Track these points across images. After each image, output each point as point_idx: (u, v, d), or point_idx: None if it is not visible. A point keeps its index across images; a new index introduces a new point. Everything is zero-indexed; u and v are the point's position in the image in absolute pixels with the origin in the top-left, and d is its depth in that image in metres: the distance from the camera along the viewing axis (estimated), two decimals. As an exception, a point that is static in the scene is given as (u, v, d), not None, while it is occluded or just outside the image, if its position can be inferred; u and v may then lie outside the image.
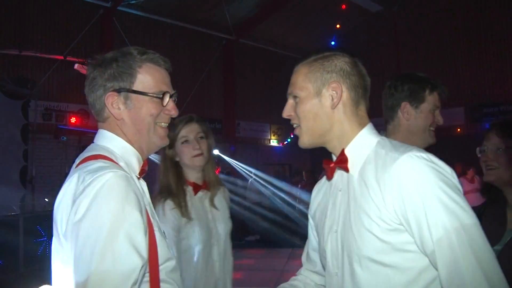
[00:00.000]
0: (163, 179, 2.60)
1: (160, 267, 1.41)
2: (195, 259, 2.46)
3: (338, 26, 15.36)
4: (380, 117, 2.37)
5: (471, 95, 14.89)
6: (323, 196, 1.67)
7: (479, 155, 2.11)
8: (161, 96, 1.55)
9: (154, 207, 2.35)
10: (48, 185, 11.24)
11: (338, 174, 1.55)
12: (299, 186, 12.87)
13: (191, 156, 2.56)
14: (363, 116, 1.54)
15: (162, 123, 1.59)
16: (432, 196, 1.28)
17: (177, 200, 2.51)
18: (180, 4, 13.85)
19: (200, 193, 2.62)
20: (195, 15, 14.66)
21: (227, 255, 2.61)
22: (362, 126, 1.52)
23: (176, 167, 2.62)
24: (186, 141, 2.58)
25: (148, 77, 1.55)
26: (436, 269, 1.28)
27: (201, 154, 2.57)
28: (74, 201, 1.31)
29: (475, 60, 14.85)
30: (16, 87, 9.77)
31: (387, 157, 1.38)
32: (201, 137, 2.61)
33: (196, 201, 2.59)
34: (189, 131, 2.59)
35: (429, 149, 2.47)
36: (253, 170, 13.75)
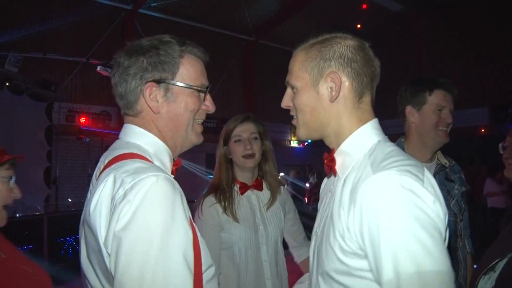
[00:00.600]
0: (215, 176, 2.58)
1: (204, 276, 1.25)
2: (238, 257, 2.41)
3: (358, 26, 15.22)
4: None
5: (495, 95, 14.61)
6: (321, 194, 1.53)
7: (501, 152, 2.02)
8: (205, 89, 1.43)
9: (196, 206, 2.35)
10: (71, 186, 11.42)
11: (334, 176, 1.40)
12: (308, 187, 12.85)
13: (241, 155, 2.51)
14: (366, 109, 1.35)
15: (200, 120, 1.47)
16: (392, 232, 1.08)
17: (220, 196, 2.48)
18: (200, 5, 13.91)
19: (248, 192, 2.58)
20: (215, 17, 14.71)
21: (279, 256, 2.54)
22: (363, 122, 1.33)
23: (228, 165, 2.59)
24: (239, 140, 2.53)
25: (191, 69, 1.41)
26: None
27: (252, 155, 2.51)
28: (114, 206, 1.15)
29: (499, 60, 14.56)
30: (40, 89, 9.95)
31: (365, 170, 1.20)
32: (255, 138, 2.54)
33: (243, 200, 2.55)
34: (243, 130, 2.54)
35: (450, 149, 2.47)
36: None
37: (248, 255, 2.42)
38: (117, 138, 1.45)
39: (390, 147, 1.28)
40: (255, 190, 2.60)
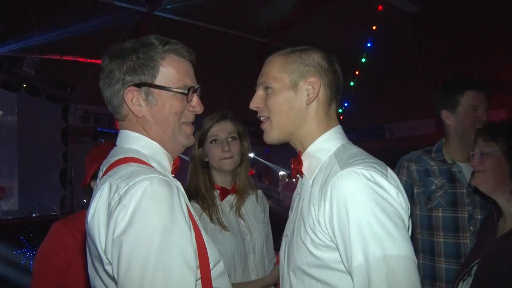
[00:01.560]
0: (191, 181, 2.33)
1: (212, 273, 1.28)
2: (228, 268, 2.16)
3: (374, 27, 15.12)
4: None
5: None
6: (293, 199, 1.57)
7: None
8: (187, 91, 1.37)
9: None
10: (86, 187, 11.47)
11: (301, 178, 1.47)
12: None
13: (219, 158, 2.28)
14: (333, 117, 1.45)
15: (188, 122, 1.43)
16: (360, 219, 1.16)
17: (205, 204, 2.25)
18: (214, 8, 13.94)
19: (230, 198, 2.35)
20: (230, 19, 14.74)
21: (265, 264, 2.34)
22: (329, 127, 1.42)
23: (205, 169, 2.34)
24: (216, 140, 2.30)
25: (172, 70, 1.37)
26: None
27: (231, 157, 2.28)
28: (110, 213, 1.15)
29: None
30: (57, 91, 10.06)
31: (333, 168, 1.28)
32: (233, 138, 2.33)
33: (225, 206, 2.33)
34: (220, 129, 2.33)
35: None
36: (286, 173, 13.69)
37: (236, 266, 2.21)
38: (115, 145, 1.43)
39: (354, 148, 1.37)
40: (235, 195, 2.37)
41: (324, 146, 1.39)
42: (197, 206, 2.23)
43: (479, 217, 2.33)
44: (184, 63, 1.42)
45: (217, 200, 2.31)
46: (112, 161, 1.31)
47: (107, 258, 1.16)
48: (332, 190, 1.23)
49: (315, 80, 1.39)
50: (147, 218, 1.11)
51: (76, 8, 11.94)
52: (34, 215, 8.66)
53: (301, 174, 1.44)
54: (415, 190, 2.49)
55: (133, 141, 1.37)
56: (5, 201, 9.04)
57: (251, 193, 2.45)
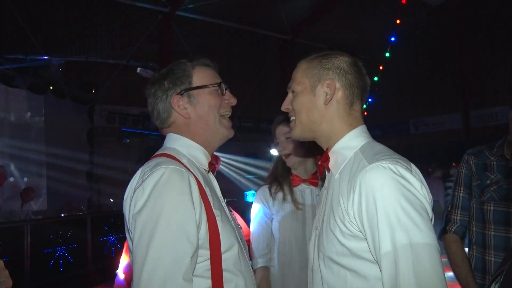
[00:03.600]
0: (273, 169, 2.77)
1: (223, 256, 1.48)
2: (283, 247, 2.54)
3: (398, 21, 14.92)
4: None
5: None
6: (320, 195, 1.70)
7: None
8: (218, 85, 1.68)
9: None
10: (112, 186, 11.68)
11: (328, 173, 1.58)
12: None
13: (283, 155, 2.65)
14: (356, 116, 1.54)
15: (226, 113, 1.71)
16: (388, 209, 1.26)
17: (274, 186, 2.66)
18: (236, 6, 13.97)
19: (303, 186, 2.65)
20: (251, 17, 14.74)
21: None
22: (353, 126, 1.52)
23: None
24: (278, 143, 2.67)
25: (203, 74, 1.69)
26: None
27: (289, 154, 2.60)
28: (133, 192, 1.45)
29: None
30: (82, 92, 10.23)
31: (361, 163, 1.38)
32: (288, 138, 2.60)
33: (296, 192, 2.63)
34: (279, 133, 2.68)
35: None
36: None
37: (295, 250, 2.52)
38: (157, 139, 1.66)
39: (379, 146, 1.47)
40: (310, 186, 2.64)
41: (350, 143, 1.49)
42: (269, 190, 2.66)
43: None
44: (210, 70, 1.73)
45: (289, 185, 2.66)
46: (153, 156, 1.61)
47: (130, 231, 1.46)
48: (361, 183, 1.32)
49: (331, 82, 1.50)
50: (158, 199, 1.39)
51: (100, 10, 12.11)
52: (62, 215, 8.84)
53: (328, 169, 1.54)
54: (472, 183, 2.51)
55: (174, 141, 1.67)
56: (34, 201, 9.25)
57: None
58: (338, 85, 1.50)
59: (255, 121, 15.45)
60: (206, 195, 1.51)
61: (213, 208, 1.51)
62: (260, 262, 2.54)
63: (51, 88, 9.35)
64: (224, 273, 1.48)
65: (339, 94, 1.51)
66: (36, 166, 9.85)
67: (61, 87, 9.55)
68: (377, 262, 1.29)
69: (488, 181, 2.44)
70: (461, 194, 2.55)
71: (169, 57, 12.63)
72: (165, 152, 1.60)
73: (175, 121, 1.68)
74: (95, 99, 10.78)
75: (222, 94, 1.69)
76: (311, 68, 1.54)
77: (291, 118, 1.60)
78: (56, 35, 11.25)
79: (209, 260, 1.45)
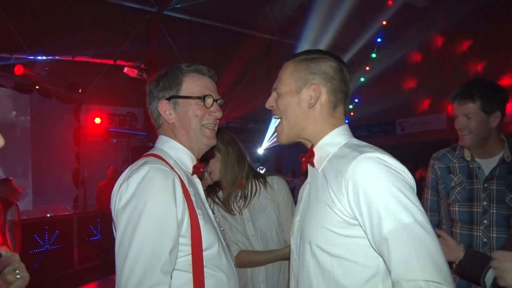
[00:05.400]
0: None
1: (204, 253, 1.57)
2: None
3: (384, 22, 15.04)
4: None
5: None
6: (301, 191, 1.74)
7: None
8: (203, 98, 1.74)
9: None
10: (99, 186, 11.58)
11: (310, 169, 1.64)
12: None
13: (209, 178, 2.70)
14: (339, 117, 1.61)
15: (209, 125, 1.77)
16: (385, 193, 1.34)
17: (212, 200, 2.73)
18: (223, 6, 13.96)
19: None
20: (239, 17, 14.74)
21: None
22: (335, 126, 1.59)
23: None
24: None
25: (193, 84, 1.76)
26: (384, 259, 1.34)
27: (211, 172, 2.64)
28: (118, 188, 1.56)
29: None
30: (68, 91, 10.15)
31: (349, 156, 1.44)
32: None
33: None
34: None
35: None
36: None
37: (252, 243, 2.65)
38: (144, 139, 1.72)
39: (361, 141, 1.55)
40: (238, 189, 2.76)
41: (333, 140, 1.56)
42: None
43: (494, 211, 2.43)
44: (204, 78, 1.79)
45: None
46: (142, 155, 1.71)
47: (115, 225, 1.55)
48: (353, 174, 1.39)
49: (317, 87, 1.56)
50: (142, 195, 1.48)
51: (86, 9, 12.02)
52: (48, 215, 8.78)
53: (313, 164, 1.59)
54: (439, 187, 2.67)
55: (163, 143, 1.77)
56: (20, 202, 9.15)
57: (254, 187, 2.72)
58: (323, 90, 1.57)
59: (241, 121, 15.46)
60: (190, 195, 1.61)
61: (195, 207, 1.61)
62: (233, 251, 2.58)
63: (37, 87, 9.27)
64: (205, 269, 1.57)
65: (323, 98, 1.57)
66: (22, 166, 9.75)
67: (47, 86, 9.47)
68: (373, 244, 1.36)
69: (453, 184, 2.58)
70: (429, 197, 2.74)
71: (157, 57, 12.60)
72: (154, 152, 1.71)
73: (163, 124, 1.78)
74: (81, 98, 10.70)
75: (207, 107, 1.74)
76: (298, 71, 1.59)
77: (276, 117, 1.66)
78: (42, 34, 11.14)
79: (190, 255, 1.55)
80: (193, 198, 1.63)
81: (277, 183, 2.74)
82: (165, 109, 1.74)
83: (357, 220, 1.39)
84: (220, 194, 2.70)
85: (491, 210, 2.44)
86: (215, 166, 2.63)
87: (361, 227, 1.38)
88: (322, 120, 1.59)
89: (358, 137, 1.59)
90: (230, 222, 2.63)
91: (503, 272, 1.51)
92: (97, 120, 11.15)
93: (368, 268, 1.39)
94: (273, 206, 2.68)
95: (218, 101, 1.80)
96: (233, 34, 15.29)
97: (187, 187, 1.63)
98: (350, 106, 15.51)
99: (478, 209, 2.48)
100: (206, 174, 2.58)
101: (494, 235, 2.42)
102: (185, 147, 1.77)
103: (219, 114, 1.79)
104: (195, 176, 1.81)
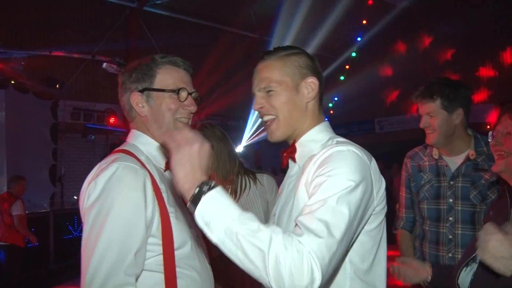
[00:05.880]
0: None
1: (176, 252, 1.53)
2: None
3: (364, 22, 15.16)
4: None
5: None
6: (281, 187, 1.72)
7: (489, 139, 1.90)
8: (178, 91, 1.67)
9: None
10: (76, 183, 11.43)
11: (291, 164, 1.63)
12: None
13: None
14: (321, 113, 1.62)
15: (183, 119, 1.70)
16: (338, 171, 1.32)
17: None
18: (204, 3, 13.88)
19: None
20: (219, 14, 14.69)
21: None
22: (318, 122, 1.59)
23: None
24: None
25: (167, 76, 1.68)
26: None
27: None
28: (86, 187, 1.51)
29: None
30: (45, 87, 9.98)
31: (327, 148, 1.43)
32: None
33: None
34: None
35: None
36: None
37: None
38: (123, 135, 1.68)
39: (341, 138, 1.53)
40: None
41: (316, 137, 1.56)
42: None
43: (459, 208, 2.49)
44: (178, 71, 1.72)
45: None
46: (113, 151, 1.66)
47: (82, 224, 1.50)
48: (325, 153, 1.40)
49: (313, 80, 1.56)
50: (109, 194, 1.44)
51: (64, 3, 11.82)
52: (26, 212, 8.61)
53: (294, 160, 1.58)
54: (410, 185, 2.73)
55: (135, 138, 1.71)
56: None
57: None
58: (318, 83, 1.57)
59: (222, 118, 15.42)
60: (161, 193, 1.56)
61: (167, 205, 1.56)
62: None
63: (12, 82, 9.08)
64: (178, 269, 1.53)
65: (317, 92, 1.57)
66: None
67: (23, 81, 9.29)
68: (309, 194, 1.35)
69: (422, 182, 2.65)
70: (405, 195, 2.79)
71: (136, 52, 12.46)
72: (124, 148, 1.66)
73: (136, 117, 1.71)
74: (59, 94, 10.53)
75: (181, 101, 1.68)
76: (289, 67, 1.57)
77: (267, 118, 1.60)
78: (18, 28, 10.92)
79: (161, 255, 1.51)
80: (165, 195, 1.58)
81: (267, 181, 2.77)
82: (137, 101, 1.67)
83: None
84: None
85: (456, 207, 2.49)
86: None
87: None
88: (312, 115, 1.58)
89: (337, 135, 1.59)
90: None
91: (482, 243, 1.48)
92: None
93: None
94: (261, 202, 2.70)
95: (193, 95, 1.73)
96: (213, 31, 15.22)
97: (159, 184, 1.58)
98: (330, 105, 15.62)
99: (444, 206, 2.53)
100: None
101: (459, 231, 2.48)
102: (158, 141, 1.69)
103: (193, 108, 1.72)
104: (168, 172, 1.71)
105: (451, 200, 2.52)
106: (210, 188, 1.23)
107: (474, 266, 1.72)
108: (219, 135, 2.67)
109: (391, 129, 16.44)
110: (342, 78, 15.00)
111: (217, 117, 14.94)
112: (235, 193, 2.65)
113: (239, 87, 15.98)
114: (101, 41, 12.04)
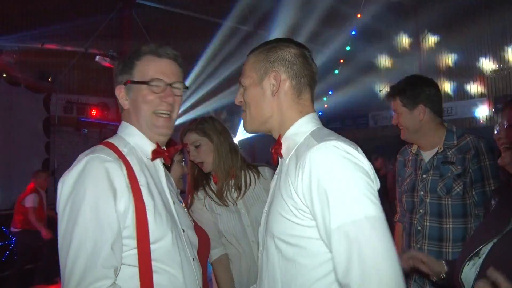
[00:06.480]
0: (191, 176, 2.78)
1: (153, 246, 1.49)
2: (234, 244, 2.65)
3: (358, 15, 15.13)
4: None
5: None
6: (271, 182, 1.71)
7: (495, 133, 1.90)
8: (154, 83, 1.63)
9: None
10: (70, 177, 11.36)
11: (280, 160, 1.60)
12: None
13: (198, 164, 2.66)
14: (306, 104, 1.57)
15: (162, 111, 1.66)
16: (339, 181, 1.29)
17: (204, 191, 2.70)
18: (198, -5, 13.82)
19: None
20: (213, 7, 14.61)
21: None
22: (302, 114, 1.55)
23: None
24: (189, 152, 2.66)
25: (145, 67, 1.65)
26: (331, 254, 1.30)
27: (202, 162, 2.61)
28: (63, 182, 1.50)
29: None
30: (38, 80, 9.90)
31: (309, 144, 1.41)
32: (197, 146, 2.61)
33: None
34: (187, 141, 2.64)
35: None
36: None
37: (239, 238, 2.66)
38: (116, 129, 1.75)
39: (327, 130, 1.50)
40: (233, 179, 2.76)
41: (300, 129, 1.53)
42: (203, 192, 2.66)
43: (428, 201, 2.58)
44: (159, 61, 1.68)
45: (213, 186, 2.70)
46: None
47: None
48: (309, 162, 1.34)
49: (276, 74, 1.53)
50: (80, 188, 1.43)
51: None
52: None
53: (281, 155, 1.57)
54: (398, 179, 2.85)
55: (122, 129, 1.70)
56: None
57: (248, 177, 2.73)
58: (284, 76, 1.54)
59: (216, 112, 15.37)
60: (138, 185, 1.53)
61: (144, 196, 1.53)
62: (214, 254, 2.55)
63: (4, 75, 9.00)
64: (155, 263, 1.50)
65: (286, 85, 1.54)
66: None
67: (15, 74, 9.21)
68: (324, 239, 1.32)
69: (406, 176, 2.77)
70: (398, 189, 2.88)
71: (129, 45, 12.38)
72: (109, 139, 1.65)
73: (123, 109, 1.71)
74: (51, 87, 10.45)
75: (156, 92, 1.63)
76: (257, 62, 1.57)
77: (243, 112, 1.63)
78: (10, 20, 10.81)
79: (136, 249, 1.48)
80: (144, 187, 1.55)
81: (269, 173, 2.76)
82: (121, 94, 1.67)
83: (309, 210, 1.35)
84: (213, 185, 2.65)
85: (426, 200, 2.59)
86: (208, 156, 2.59)
87: (312, 216, 1.35)
88: (289, 108, 1.55)
89: (331, 129, 1.55)
90: (223, 214, 2.59)
91: None
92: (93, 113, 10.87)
93: (331, 260, 1.33)
94: (267, 195, 2.66)
95: (176, 85, 1.68)
96: (207, 23, 15.15)
97: (138, 176, 1.54)
98: (324, 99, 15.62)
99: (417, 199, 2.64)
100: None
101: (428, 223, 2.57)
102: (143, 133, 1.67)
103: (170, 99, 1.66)
104: (158, 162, 1.72)
105: (422, 192, 2.62)
106: None
107: (477, 261, 1.71)
108: (219, 128, 2.63)
109: (385, 123, 16.47)
110: (336, 72, 14.98)
111: (211, 112, 14.91)
112: (239, 189, 2.63)
113: (234, 80, 15.95)
114: (94, 34, 11.95)
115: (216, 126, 2.65)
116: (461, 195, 2.50)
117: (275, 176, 1.64)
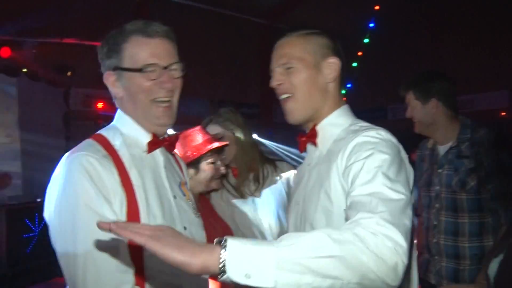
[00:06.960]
0: None
1: (146, 252, 1.32)
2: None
3: (377, 7, 14.93)
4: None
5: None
6: (298, 174, 1.67)
7: None
8: (148, 69, 1.46)
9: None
10: (89, 171, 11.47)
11: (311, 150, 1.56)
12: None
13: None
14: (342, 96, 1.59)
15: (160, 98, 1.49)
16: (377, 155, 1.27)
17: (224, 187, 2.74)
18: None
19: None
20: (231, 1, 14.55)
21: None
22: (339, 105, 1.56)
23: None
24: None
25: (135, 51, 1.48)
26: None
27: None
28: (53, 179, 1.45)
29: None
30: (57, 74, 10.00)
31: (353, 134, 1.39)
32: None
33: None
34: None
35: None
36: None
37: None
38: None
39: (364, 122, 1.52)
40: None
41: (338, 121, 1.51)
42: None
43: (443, 195, 2.60)
44: (150, 42, 1.50)
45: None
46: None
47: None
48: (351, 144, 1.34)
49: (335, 60, 1.51)
50: (71, 187, 1.36)
51: (75, -9, 11.78)
52: (38, 200, 8.69)
53: (315, 144, 1.50)
54: (417, 173, 2.81)
55: (117, 119, 1.58)
56: (9, 187, 9.08)
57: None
58: (339, 64, 1.53)
59: (235, 106, 15.36)
60: (130, 181, 1.41)
61: (137, 196, 1.41)
62: None
63: (24, 70, 9.10)
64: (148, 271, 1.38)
65: (338, 73, 1.53)
66: (11, 151, 9.62)
67: (35, 69, 9.31)
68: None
69: (423, 171, 2.79)
70: (418, 184, 2.86)
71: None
72: (102, 131, 1.56)
73: (116, 97, 1.56)
74: (70, 82, 10.55)
75: (153, 79, 1.45)
76: (311, 44, 1.51)
77: (284, 96, 1.53)
78: (29, 15, 10.91)
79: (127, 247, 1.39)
80: (137, 181, 1.42)
81: (287, 168, 2.77)
82: (112, 82, 1.51)
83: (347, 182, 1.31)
84: (231, 178, 2.65)
85: (442, 195, 2.61)
86: (230, 149, 2.56)
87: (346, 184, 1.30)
88: (333, 97, 1.54)
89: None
90: (239, 206, 2.59)
91: None
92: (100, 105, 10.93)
93: None
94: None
95: (173, 66, 1.50)
96: (224, 17, 15.10)
97: (129, 172, 1.42)
98: (343, 92, 15.48)
99: (433, 194, 2.66)
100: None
101: (443, 218, 2.58)
102: (139, 123, 1.51)
103: (169, 85, 1.48)
104: (158, 153, 1.55)
105: (437, 187, 2.63)
106: (224, 247, 1.00)
107: (501, 256, 1.73)
108: (241, 122, 2.62)
109: (404, 117, 16.24)
110: (355, 64, 14.82)
111: (229, 106, 14.95)
112: (258, 182, 2.62)
113: (252, 74, 15.91)
114: (112, 27, 12.00)
115: (238, 119, 2.65)
116: (476, 190, 2.48)
117: (306, 167, 1.58)
